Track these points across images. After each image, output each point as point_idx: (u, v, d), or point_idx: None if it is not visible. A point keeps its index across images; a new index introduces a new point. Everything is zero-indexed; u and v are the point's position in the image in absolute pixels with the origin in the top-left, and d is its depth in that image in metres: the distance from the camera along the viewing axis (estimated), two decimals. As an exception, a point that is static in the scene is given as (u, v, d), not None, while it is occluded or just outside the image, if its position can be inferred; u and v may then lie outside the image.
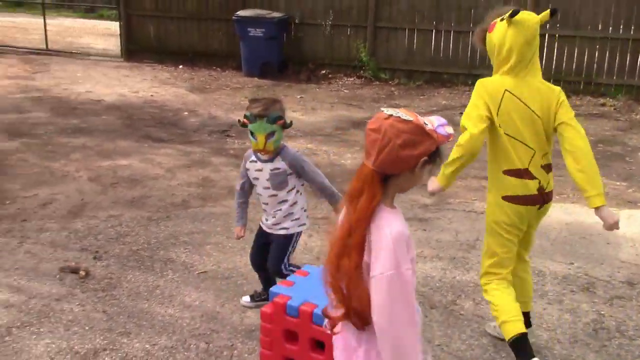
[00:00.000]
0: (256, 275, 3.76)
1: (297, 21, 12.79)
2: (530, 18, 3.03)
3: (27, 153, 6.75)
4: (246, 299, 3.73)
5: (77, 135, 7.55)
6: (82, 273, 4.02)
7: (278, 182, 3.42)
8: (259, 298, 3.69)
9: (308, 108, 9.76)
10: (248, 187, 3.60)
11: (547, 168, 3.08)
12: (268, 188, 3.44)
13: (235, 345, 3.31)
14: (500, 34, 3.04)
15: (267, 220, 3.54)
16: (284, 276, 3.42)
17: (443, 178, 3.06)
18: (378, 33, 12.36)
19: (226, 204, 5.40)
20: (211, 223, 4.97)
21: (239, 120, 3.50)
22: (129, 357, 3.18)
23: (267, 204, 3.49)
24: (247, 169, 3.53)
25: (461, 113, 10.17)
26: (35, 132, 7.68)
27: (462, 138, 2.95)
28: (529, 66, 3.04)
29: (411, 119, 1.86)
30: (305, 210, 3.56)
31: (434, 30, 12.07)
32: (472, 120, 2.97)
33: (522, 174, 3.00)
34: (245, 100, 10.16)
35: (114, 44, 14.80)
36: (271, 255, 3.53)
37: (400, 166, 1.87)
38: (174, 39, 13.87)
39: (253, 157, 3.49)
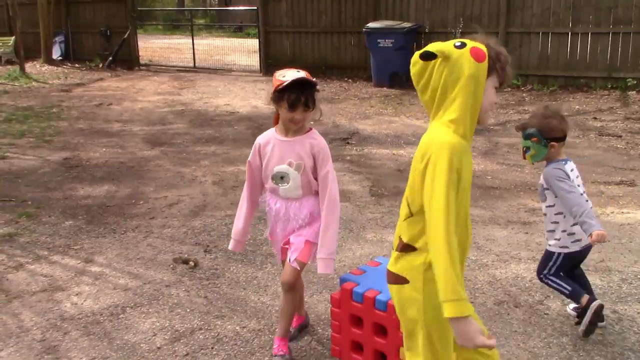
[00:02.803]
0: (338, 270, 3.95)
1: (427, 30, 12.88)
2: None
3: (164, 160, 7.45)
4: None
5: (209, 144, 8.20)
6: (192, 264, 4.44)
7: (541, 194, 3.52)
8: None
9: (432, 115, 9.80)
10: None
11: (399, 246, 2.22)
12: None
13: (317, 331, 3.54)
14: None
15: None
16: (544, 282, 3.55)
17: None
18: (510, 38, 12.13)
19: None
20: (315, 222, 5.25)
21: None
22: (220, 336, 3.51)
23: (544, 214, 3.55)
24: None
25: (594, 117, 9.80)
26: (174, 141, 8.43)
27: None
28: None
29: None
30: (568, 234, 3.42)
31: (569, 33, 11.65)
32: None
33: None
34: (370, 109, 10.44)
35: (256, 60, 15.70)
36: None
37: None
38: (308, 53, 14.49)
39: None
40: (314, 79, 3.05)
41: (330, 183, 3.06)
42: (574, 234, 3.41)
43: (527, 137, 3.44)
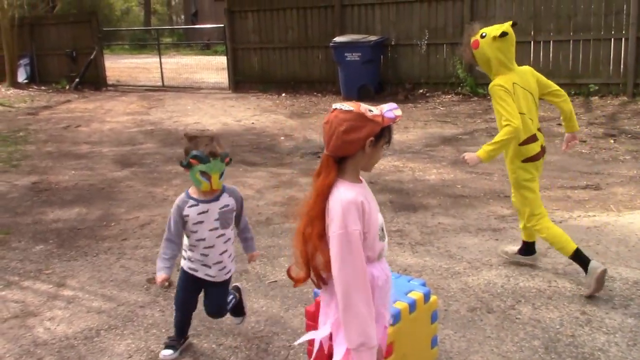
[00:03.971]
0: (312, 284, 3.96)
1: (393, 43, 13.03)
2: (509, 29, 4.00)
3: (134, 180, 7.42)
4: (167, 352, 3.47)
5: (180, 163, 8.17)
6: (166, 284, 4.42)
7: (227, 219, 3.35)
8: (180, 342, 3.54)
9: (401, 127, 9.92)
10: (180, 239, 3.34)
11: (540, 130, 4.14)
12: (216, 229, 3.30)
13: (293, 346, 3.55)
14: (491, 48, 3.98)
15: (209, 267, 3.36)
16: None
17: (485, 154, 3.89)
18: (474, 49, 12.30)
19: (306, 219, 5.69)
20: (288, 237, 5.27)
21: (181, 163, 3.27)
22: (197, 355, 3.51)
23: (212, 246, 3.31)
24: (186, 216, 3.26)
25: (559, 124, 10.06)
26: (144, 161, 8.40)
27: (507, 130, 3.84)
28: (514, 60, 4.11)
29: (352, 108, 2.21)
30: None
31: (532, 42, 11.89)
32: (513, 114, 3.87)
33: (533, 138, 4.05)
34: (340, 123, 10.50)
35: (225, 77, 15.72)
36: (216, 302, 3.46)
37: (349, 148, 2.22)
38: (277, 69, 14.55)
39: (191, 202, 3.27)
40: None
41: None
42: None
43: (223, 159, 3.22)
